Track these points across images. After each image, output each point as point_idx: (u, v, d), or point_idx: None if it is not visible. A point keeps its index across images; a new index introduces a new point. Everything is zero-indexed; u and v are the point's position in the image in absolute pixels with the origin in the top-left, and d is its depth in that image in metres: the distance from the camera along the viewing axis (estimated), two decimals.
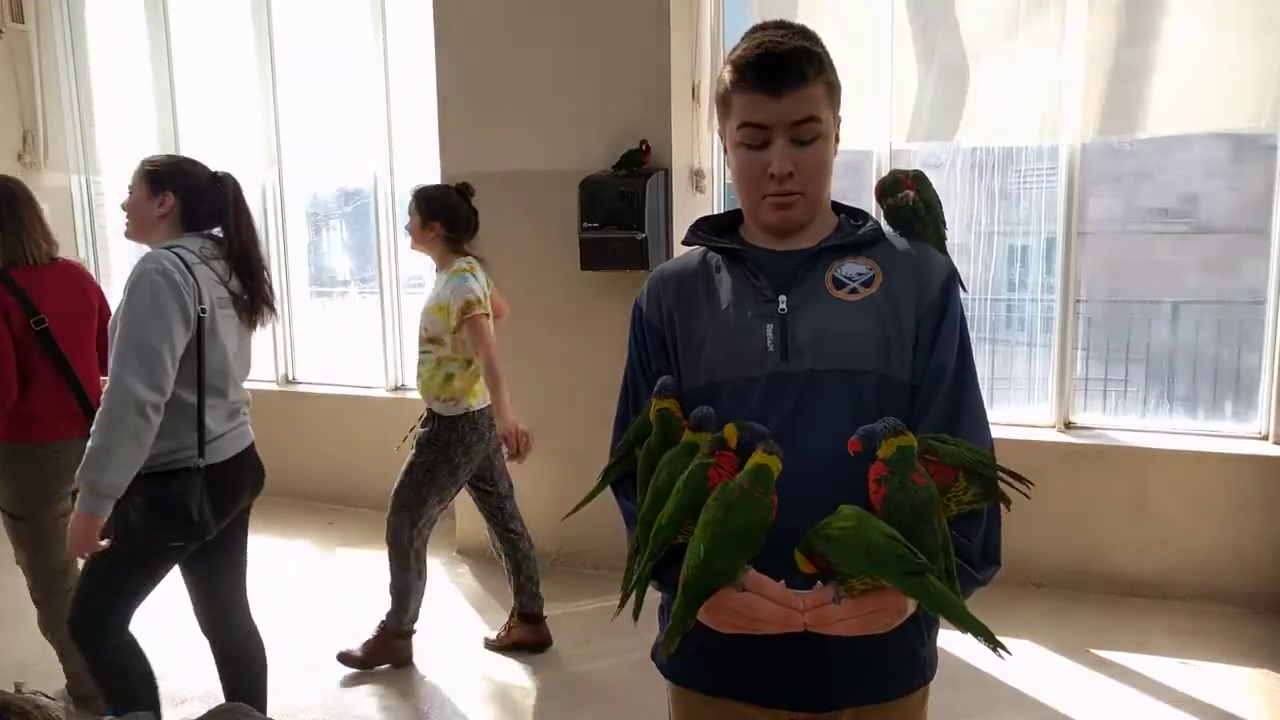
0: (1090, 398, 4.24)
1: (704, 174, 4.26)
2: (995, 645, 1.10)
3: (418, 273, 5.33)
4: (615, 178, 3.97)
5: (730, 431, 1.23)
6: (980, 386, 1.41)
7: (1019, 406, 4.27)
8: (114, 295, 2.50)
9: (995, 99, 3.95)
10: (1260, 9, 3.60)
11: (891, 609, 1.16)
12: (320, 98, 5.30)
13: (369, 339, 5.43)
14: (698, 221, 1.52)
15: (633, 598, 1.25)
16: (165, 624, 3.88)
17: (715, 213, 1.65)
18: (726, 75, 1.37)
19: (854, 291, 1.37)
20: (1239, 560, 3.81)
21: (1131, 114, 3.81)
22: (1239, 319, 4.14)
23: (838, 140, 1.41)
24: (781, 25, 1.38)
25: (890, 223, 1.53)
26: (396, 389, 5.26)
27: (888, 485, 1.15)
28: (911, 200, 1.52)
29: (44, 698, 2.31)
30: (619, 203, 3.92)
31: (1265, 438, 3.92)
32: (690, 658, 1.25)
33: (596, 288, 4.14)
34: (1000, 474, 1.27)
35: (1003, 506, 1.31)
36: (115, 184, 6.06)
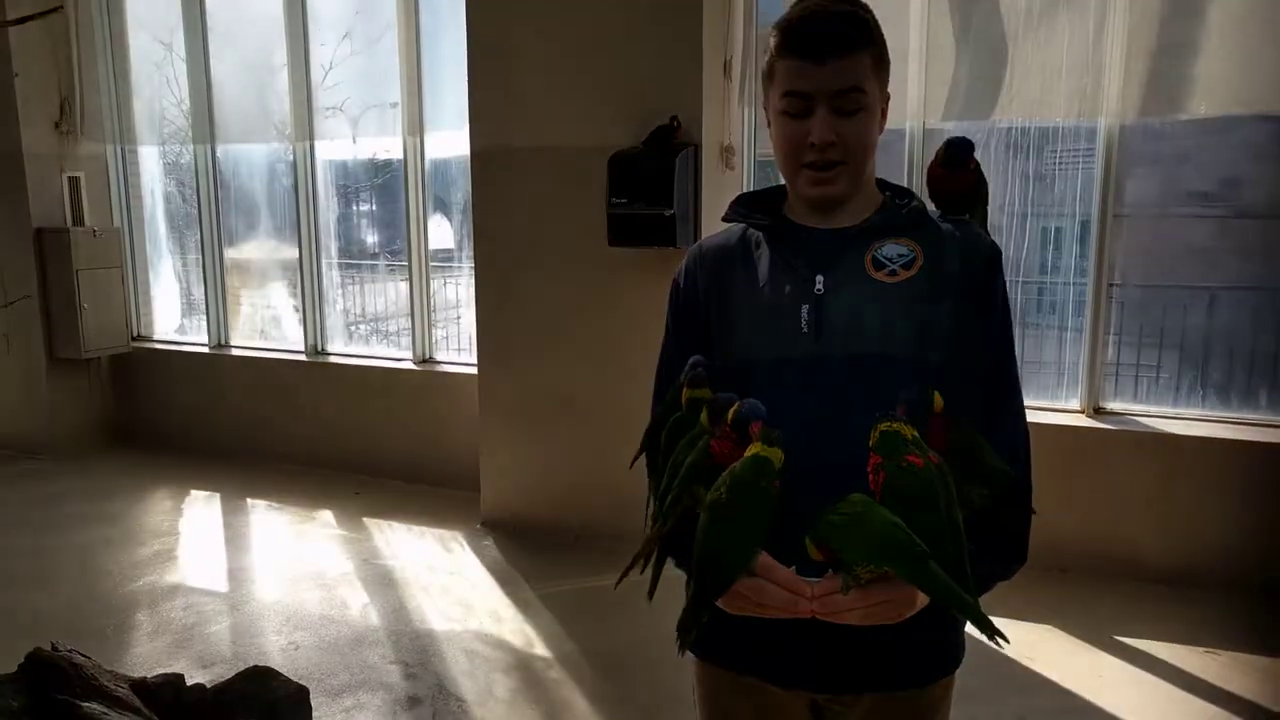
0: (1121, 383, 4.19)
1: (734, 151, 4.23)
2: (992, 633, 1.09)
3: (448, 246, 5.36)
4: (644, 154, 3.95)
5: (732, 411, 1.21)
6: (1019, 374, 1.37)
7: (1049, 391, 4.23)
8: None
9: (1033, 78, 3.88)
10: None
11: (899, 600, 1.13)
12: (352, 70, 5.31)
13: (398, 311, 5.46)
14: (739, 197, 1.49)
15: (648, 575, 1.25)
16: (193, 588, 3.97)
17: (757, 189, 1.60)
18: (772, 41, 1.33)
19: (893, 274, 1.32)
20: (1265, 550, 3.76)
21: (1173, 94, 3.74)
22: (1277, 306, 4.06)
23: (884, 117, 1.36)
24: None
25: (942, 206, 1.46)
26: (424, 361, 5.30)
27: (885, 471, 1.13)
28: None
29: (79, 656, 2.37)
30: (648, 179, 3.91)
31: None
32: (715, 634, 1.25)
33: (624, 263, 4.14)
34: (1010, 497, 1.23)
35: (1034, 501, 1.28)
36: (150, 154, 6.13)
